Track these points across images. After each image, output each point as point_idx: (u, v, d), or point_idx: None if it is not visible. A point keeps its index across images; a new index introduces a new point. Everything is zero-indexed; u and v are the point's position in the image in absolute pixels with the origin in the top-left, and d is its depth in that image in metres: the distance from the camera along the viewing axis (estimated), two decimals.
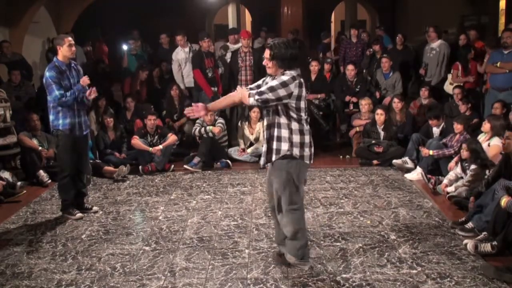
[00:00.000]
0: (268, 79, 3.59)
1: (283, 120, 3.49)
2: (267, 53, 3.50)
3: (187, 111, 3.54)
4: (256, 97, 3.38)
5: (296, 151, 3.49)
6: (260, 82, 3.70)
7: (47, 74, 4.69)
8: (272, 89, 3.36)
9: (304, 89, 3.47)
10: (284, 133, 3.49)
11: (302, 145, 3.52)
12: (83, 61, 9.65)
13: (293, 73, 3.44)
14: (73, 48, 4.77)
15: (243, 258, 3.92)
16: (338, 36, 13.80)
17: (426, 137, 6.50)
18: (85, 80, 4.81)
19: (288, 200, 3.53)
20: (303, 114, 3.51)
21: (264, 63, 3.56)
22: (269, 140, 3.56)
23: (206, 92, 7.56)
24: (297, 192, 3.55)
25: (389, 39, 10.01)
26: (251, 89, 3.59)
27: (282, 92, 3.35)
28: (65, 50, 4.70)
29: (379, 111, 6.77)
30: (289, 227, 3.56)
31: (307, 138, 3.54)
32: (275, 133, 3.52)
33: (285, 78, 3.40)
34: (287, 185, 3.50)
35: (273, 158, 3.53)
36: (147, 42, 10.07)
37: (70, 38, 4.81)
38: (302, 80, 3.49)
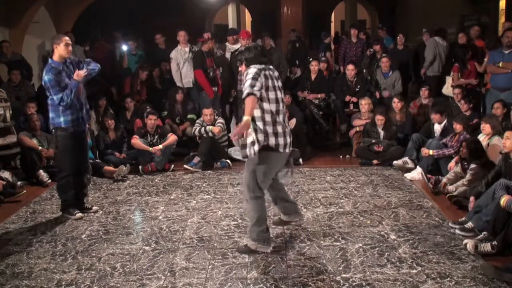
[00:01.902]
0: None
1: (257, 113, 3.80)
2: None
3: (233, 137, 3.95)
4: (248, 90, 3.73)
5: (272, 141, 3.78)
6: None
7: (45, 77, 4.67)
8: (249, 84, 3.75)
9: (271, 81, 3.84)
10: (260, 125, 3.79)
11: (276, 135, 3.81)
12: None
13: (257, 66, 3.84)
14: (70, 48, 4.74)
15: (243, 258, 3.92)
16: (336, 36, 13.83)
17: (427, 135, 6.51)
18: (79, 74, 4.74)
19: (252, 188, 3.91)
20: (274, 105, 3.82)
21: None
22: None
23: (207, 92, 7.56)
24: (263, 179, 3.91)
25: (391, 40, 10.02)
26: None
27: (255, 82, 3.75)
28: (61, 49, 4.68)
29: (378, 116, 6.75)
30: (252, 213, 3.93)
31: (279, 128, 3.83)
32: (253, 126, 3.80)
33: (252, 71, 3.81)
34: (253, 173, 3.89)
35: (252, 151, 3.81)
36: (144, 42, 10.06)
37: (67, 38, 4.80)
38: (269, 72, 3.87)
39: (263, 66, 3.87)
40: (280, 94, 3.92)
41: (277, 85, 3.90)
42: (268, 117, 3.80)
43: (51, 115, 4.80)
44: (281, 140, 3.83)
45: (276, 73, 4.01)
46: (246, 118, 3.72)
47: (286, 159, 4.03)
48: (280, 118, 3.87)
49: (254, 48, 4.02)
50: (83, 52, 9.99)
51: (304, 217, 4.78)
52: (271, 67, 3.98)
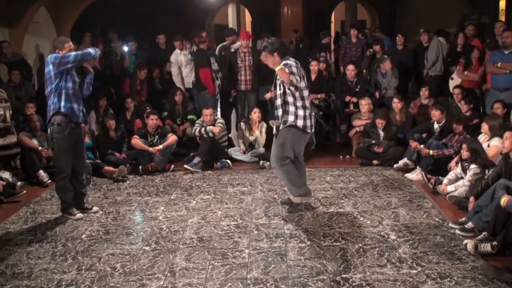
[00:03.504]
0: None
1: (290, 99, 4.63)
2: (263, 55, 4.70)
3: None
4: (292, 70, 4.43)
5: (299, 123, 4.62)
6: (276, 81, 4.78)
7: (53, 55, 4.62)
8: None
9: (301, 71, 4.60)
10: (292, 108, 4.62)
11: (304, 117, 4.63)
12: None
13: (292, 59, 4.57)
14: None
15: (243, 258, 3.93)
16: (337, 36, 13.81)
17: (425, 132, 6.52)
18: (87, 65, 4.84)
19: (280, 158, 4.73)
20: (304, 91, 4.63)
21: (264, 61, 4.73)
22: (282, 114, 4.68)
23: (209, 90, 7.57)
24: (289, 152, 4.71)
25: (389, 40, 10.01)
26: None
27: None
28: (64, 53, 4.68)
29: (379, 120, 6.73)
30: (283, 176, 4.84)
31: (307, 112, 4.66)
32: (285, 108, 4.65)
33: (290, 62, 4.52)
34: (281, 147, 4.71)
35: (281, 127, 4.69)
36: (145, 42, 10.06)
37: (70, 43, 4.79)
38: (299, 64, 4.62)
39: (293, 59, 4.59)
40: (306, 82, 4.69)
41: (304, 75, 4.66)
42: (299, 103, 4.62)
43: (51, 101, 4.72)
44: (308, 122, 4.67)
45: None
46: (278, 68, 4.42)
47: (310, 137, 4.86)
48: (307, 103, 4.67)
49: (277, 40, 4.81)
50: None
51: (304, 217, 4.79)
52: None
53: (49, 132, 4.91)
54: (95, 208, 5.16)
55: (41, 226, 4.78)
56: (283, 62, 4.49)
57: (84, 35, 9.75)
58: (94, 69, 5.10)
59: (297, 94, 4.59)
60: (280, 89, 4.67)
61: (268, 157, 6.80)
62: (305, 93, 4.65)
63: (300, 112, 4.61)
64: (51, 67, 4.65)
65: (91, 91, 5.05)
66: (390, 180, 6.02)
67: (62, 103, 4.72)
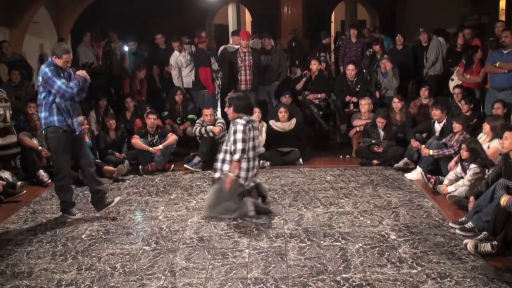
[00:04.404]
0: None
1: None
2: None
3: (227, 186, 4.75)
4: (237, 155, 4.69)
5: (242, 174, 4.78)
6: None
7: (45, 69, 4.61)
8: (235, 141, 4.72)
9: (252, 132, 4.85)
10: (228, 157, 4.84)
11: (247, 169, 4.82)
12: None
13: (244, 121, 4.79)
14: (68, 65, 4.77)
15: (243, 258, 3.93)
16: (336, 37, 13.78)
17: (427, 132, 6.51)
18: (83, 72, 4.80)
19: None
20: (251, 152, 4.85)
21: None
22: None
23: (209, 89, 7.57)
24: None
25: (389, 40, 10.00)
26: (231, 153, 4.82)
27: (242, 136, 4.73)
28: (60, 62, 4.66)
29: (380, 119, 6.73)
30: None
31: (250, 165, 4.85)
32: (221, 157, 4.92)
33: (240, 127, 4.74)
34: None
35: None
36: (145, 42, 10.05)
37: (69, 56, 4.73)
38: (252, 125, 4.87)
39: (248, 118, 4.84)
40: (257, 141, 4.98)
41: (255, 136, 4.92)
42: (243, 165, 4.76)
43: (43, 114, 4.71)
44: (249, 174, 4.85)
45: (255, 124, 5.02)
46: (232, 175, 4.69)
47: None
48: (251, 160, 4.85)
49: (245, 98, 5.04)
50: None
51: (304, 217, 4.79)
52: (253, 118, 5.04)
53: (43, 133, 4.89)
54: (116, 199, 5.12)
55: (41, 226, 4.78)
56: (235, 121, 4.78)
57: (84, 35, 9.76)
58: (95, 68, 5.09)
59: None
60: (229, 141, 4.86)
61: (269, 157, 6.85)
62: (253, 153, 4.86)
63: (243, 173, 4.77)
64: (40, 78, 4.65)
65: (87, 94, 5.01)
66: (390, 180, 6.02)
67: (55, 117, 4.69)
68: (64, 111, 4.73)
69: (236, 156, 4.69)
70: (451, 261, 3.79)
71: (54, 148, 4.83)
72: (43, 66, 4.70)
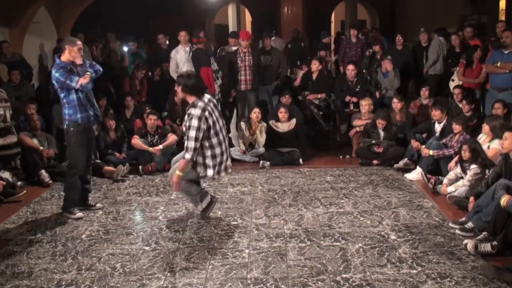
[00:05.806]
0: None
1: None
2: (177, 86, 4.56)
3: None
4: (188, 155, 4.34)
5: (209, 173, 4.54)
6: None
7: (56, 74, 4.68)
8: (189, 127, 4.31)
9: (213, 116, 4.43)
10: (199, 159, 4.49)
11: (214, 167, 4.53)
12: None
13: (201, 104, 4.35)
14: (82, 53, 4.82)
15: (243, 258, 3.93)
16: (337, 36, 13.78)
17: (427, 133, 6.51)
18: (83, 80, 4.81)
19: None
20: (215, 138, 4.46)
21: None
22: None
23: (210, 89, 7.56)
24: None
25: (385, 41, 10.01)
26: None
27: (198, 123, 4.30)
28: (74, 52, 4.73)
29: (380, 120, 6.73)
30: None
31: (218, 159, 4.54)
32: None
33: (197, 112, 4.30)
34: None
35: None
36: (145, 42, 10.05)
37: (80, 43, 4.83)
38: (210, 106, 4.43)
39: (206, 99, 4.44)
40: (221, 123, 4.55)
41: (217, 116, 4.48)
42: (208, 152, 4.46)
43: (67, 111, 4.81)
44: (221, 167, 4.61)
45: (215, 101, 4.61)
46: (178, 173, 4.38)
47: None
48: (220, 149, 4.51)
49: (195, 77, 4.59)
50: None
51: (304, 217, 4.79)
52: (209, 96, 4.57)
53: (64, 127, 4.94)
54: (98, 205, 5.20)
55: (41, 226, 4.78)
56: (189, 107, 4.39)
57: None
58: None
59: (206, 143, 4.42)
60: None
61: (269, 157, 6.85)
62: (217, 138, 4.46)
63: (209, 162, 4.48)
64: (55, 83, 4.77)
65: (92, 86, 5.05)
66: (390, 180, 6.02)
67: (79, 115, 4.81)
68: (86, 104, 4.84)
69: (188, 156, 4.34)
70: (451, 261, 3.79)
71: (75, 141, 4.88)
72: (53, 72, 4.76)
